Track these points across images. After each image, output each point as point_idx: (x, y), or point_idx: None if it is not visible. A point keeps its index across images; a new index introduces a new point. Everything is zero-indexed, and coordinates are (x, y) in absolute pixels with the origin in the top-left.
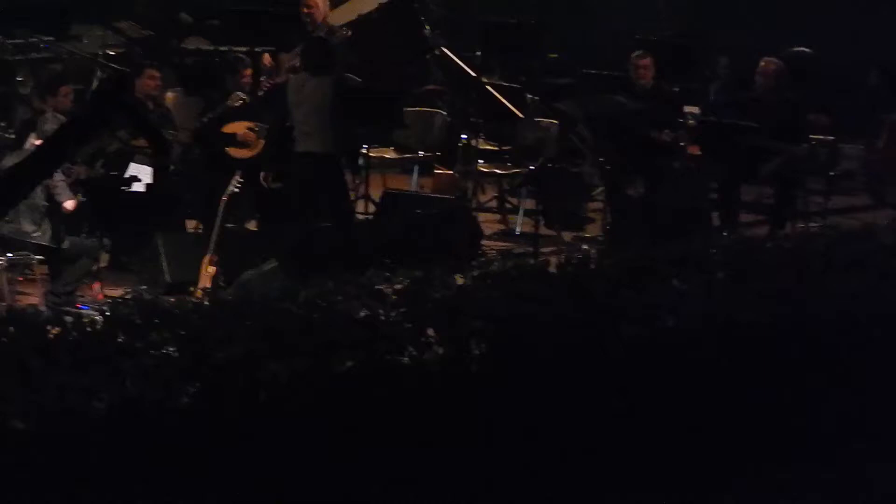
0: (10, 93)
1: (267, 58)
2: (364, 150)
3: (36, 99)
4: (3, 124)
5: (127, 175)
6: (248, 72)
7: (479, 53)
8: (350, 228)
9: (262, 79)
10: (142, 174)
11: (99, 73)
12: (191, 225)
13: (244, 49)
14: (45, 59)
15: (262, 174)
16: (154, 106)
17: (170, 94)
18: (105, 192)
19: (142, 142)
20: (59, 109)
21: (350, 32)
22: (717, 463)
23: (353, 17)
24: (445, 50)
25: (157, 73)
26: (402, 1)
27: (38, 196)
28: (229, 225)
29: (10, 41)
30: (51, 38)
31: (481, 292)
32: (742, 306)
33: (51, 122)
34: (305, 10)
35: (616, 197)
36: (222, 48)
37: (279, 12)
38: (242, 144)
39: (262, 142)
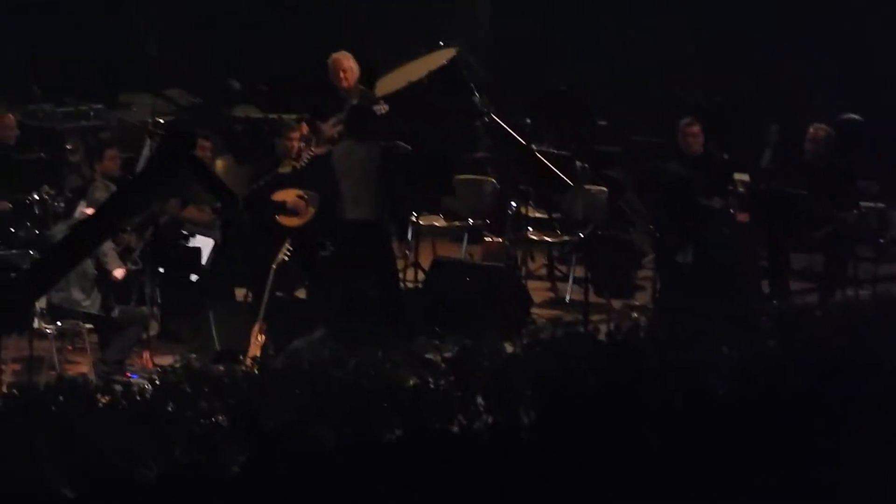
0: (60, 161)
1: (304, 127)
2: (413, 218)
3: (85, 167)
4: (53, 192)
5: (189, 245)
6: (296, 135)
7: (528, 120)
8: (399, 296)
9: (300, 146)
10: (204, 245)
11: (149, 141)
12: (240, 293)
13: (294, 116)
14: (94, 127)
15: (310, 242)
16: None
17: (220, 162)
18: (165, 260)
19: (192, 212)
20: (107, 174)
21: (386, 107)
22: None
23: (401, 84)
24: (495, 116)
25: (207, 143)
26: (451, 67)
27: (88, 264)
28: (278, 293)
29: (60, 109)
30: (100, 106)
31: (531, 360)
32: (791, 373)
33: (100, 190)
34: (341, 75)
35: (666, 264)
36: (272, 115)
37: (318, 79)
38: (292, 212)
39: (312, 210)
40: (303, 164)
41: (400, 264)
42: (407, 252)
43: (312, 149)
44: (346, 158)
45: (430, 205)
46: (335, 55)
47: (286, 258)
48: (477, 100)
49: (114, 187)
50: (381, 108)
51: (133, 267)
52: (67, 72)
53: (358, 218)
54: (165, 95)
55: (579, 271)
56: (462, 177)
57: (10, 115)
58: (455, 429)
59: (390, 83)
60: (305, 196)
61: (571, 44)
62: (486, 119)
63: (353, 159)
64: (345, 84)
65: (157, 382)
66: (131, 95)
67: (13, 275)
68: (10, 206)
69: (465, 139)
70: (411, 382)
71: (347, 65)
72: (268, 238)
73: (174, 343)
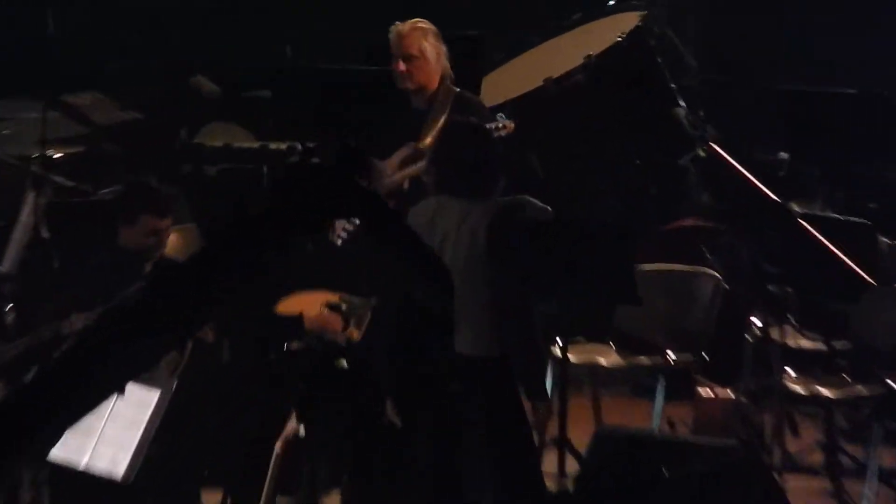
0: None
1: None
2: (557, 348)
3: None
4: None
5: None
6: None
7: (783, 156)
8: (540, 498)
9: None
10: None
11: (33, 193)
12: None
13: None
14: None
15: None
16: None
17: (174, 236)
18: None
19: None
20: None
21: (510, 125)
22: None
23: (536, 82)
24: (718, 148)
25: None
26: (632, 49)
27: None
28: (285, 500)
29: None
30: None
31: None
32: None
33: None
34: (409, 66)
35: None
36: (275, 144)
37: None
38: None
39: (356, 332)
40: (341, 239)
41: (533, 440)
42: (544, 416)
43: None
44: (428, 230)
45: (591, 324)
46: (399, 26)
47: (301, 435)
48: (682, 113)
49: None
50: (500, 129)
51: None
52: None
53: (462, 352)
54: (66, 105)
55: (889, 457)
56: (652, 266)
57: None
58: None
59: (514, 79)
60: (344, 303)
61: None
62: (699, 150)
63: (437, 233)
64: (417, 81)
65: None
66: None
67: None
68: None
69: (659, 190)
70: None
71: (422, 44)
72: (266, 392)
73: None
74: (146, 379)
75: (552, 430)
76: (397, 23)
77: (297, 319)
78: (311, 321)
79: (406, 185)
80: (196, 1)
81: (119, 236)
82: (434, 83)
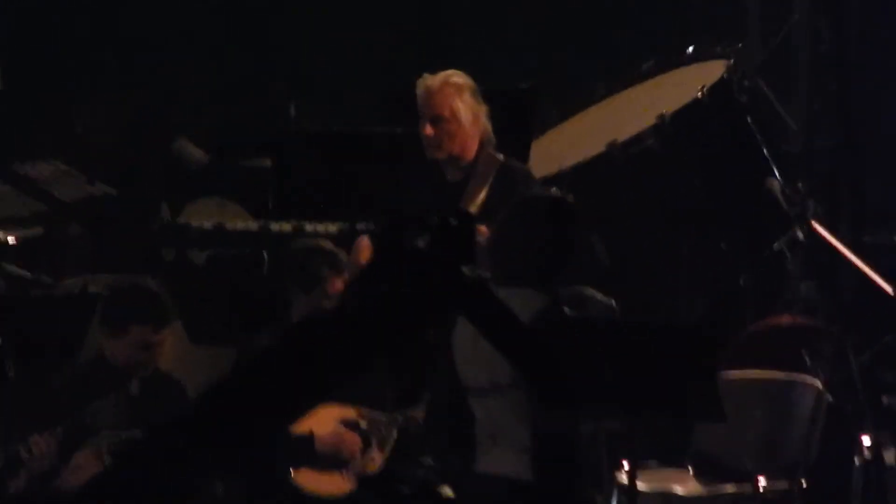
0: None
1: (365, 252)
2: (624, 472)
3: None
4: None
5: None
6: (341, 281)
7: None
8: None
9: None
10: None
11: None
12: None
13: (332, 229)
14: None
15: None
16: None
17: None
18: None
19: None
20: None
21: (485, 230)
22: None
23: (594, 151)
24: (821, 229)
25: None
26: (716, 100)
27: None
28: None
29: None
30: None
31: None
32: None
33: None
34: (432, 133)
35: None
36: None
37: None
38: (332, 460)
39: (379, 457)
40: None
41: None
42: None
43: None
44: (462, 334)
45: (665, 445)
46: (427, 80)
47: None
48: (777, 185)
49: None
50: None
51: None
52: None
53: (495, 472)
54: (21, 176)
55: None
56: (739, 374)
57: None
58: None
59: (571, 143)
60: (363, 420)
61: None
62: (798, 231)
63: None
64: (448, 149)
65: None
66: None
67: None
68: None
69: (746, 279)
70: None
71: (455, 104)
72: None
73: None
74: None
75: None
76: (426, 75)
77: (308, 440)
78: (324, 441)
79: None
80: (178, 48)
81: (101, 345)
82: (470, 152)
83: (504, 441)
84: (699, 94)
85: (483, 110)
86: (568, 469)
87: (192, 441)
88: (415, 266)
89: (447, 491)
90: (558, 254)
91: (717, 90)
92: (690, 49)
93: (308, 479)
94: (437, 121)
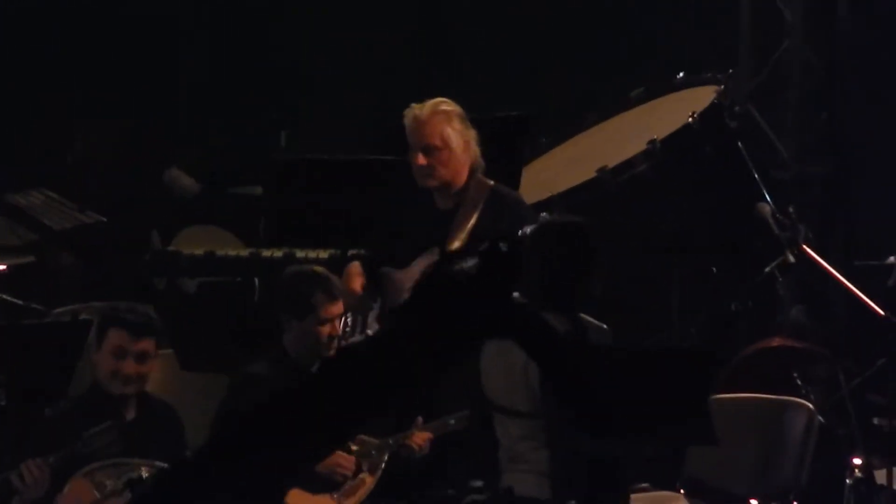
0: None
1: (357, 279)
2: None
3: None
4: None
5: None
6: (336, 310)
7: (892, 260)
8: None
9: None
10: None
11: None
12: None
13: (324, 256)
14: None
15: None
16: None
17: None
18: None
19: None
20: None
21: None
22: None
23: (584, 176)
24: (812, 253)
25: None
26: (707, 126)
27: None
28: None
29: None
30: None
31: None
32: None
33: None
34: (424, 162)
35: None
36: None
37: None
38: (324, 483)
39: (370, 476)
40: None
41: None
42: None
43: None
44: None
45: (657, 468)
46: (415, 110)
47: None
48: (768, 210)
49: None
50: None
51: None
52: None
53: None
54: (10, 206)
55: None
56: (731, 397)
57: None
58: None
59: (561, 169)
60: (354, 445)
61: None
62: (789, 255)
63: (496, 371)
64: (440, 177)
65: None
66: None
67: None
68: None
69: (737, 303)
70: None
71: (445, 132)
72: None
73: None
74: None
75: None
76: (414, 105)
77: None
78: (330, 464)
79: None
80: (168, 74)
81: (94, 371)
82: (461, 178)
83: (524, 464)
84: (690, 119)
85: (472, 136)
86: (588, 492)
87: (216, 477)
88: (467, 292)
89: None
90: (580, 277)
91: (708, 115)
92: (681, 75)
93: (299, 501)
94: (428, 150)
